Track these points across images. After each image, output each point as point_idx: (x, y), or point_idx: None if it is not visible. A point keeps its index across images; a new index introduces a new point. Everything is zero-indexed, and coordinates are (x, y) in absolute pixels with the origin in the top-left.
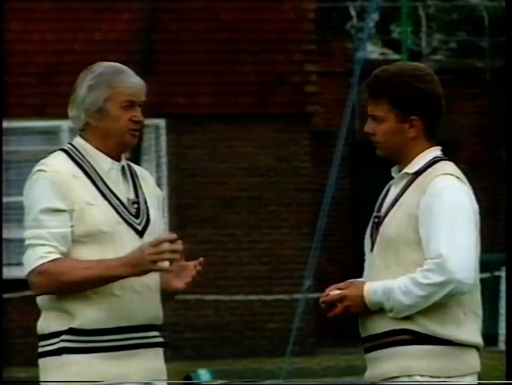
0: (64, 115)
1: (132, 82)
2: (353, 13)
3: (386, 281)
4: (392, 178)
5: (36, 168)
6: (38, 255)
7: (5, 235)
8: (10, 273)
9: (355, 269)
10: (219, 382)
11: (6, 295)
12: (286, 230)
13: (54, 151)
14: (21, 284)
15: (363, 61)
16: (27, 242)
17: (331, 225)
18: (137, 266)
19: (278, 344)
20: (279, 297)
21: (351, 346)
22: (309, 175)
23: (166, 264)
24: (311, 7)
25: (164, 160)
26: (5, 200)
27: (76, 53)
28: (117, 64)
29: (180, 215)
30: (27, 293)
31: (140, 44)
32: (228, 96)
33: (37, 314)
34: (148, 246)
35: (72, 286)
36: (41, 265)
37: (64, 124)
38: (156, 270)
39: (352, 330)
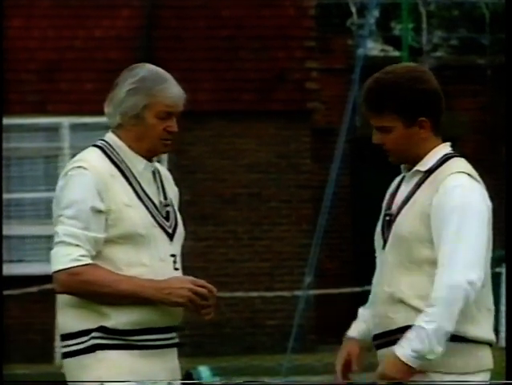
0: (65, 112)
1: (173, 93)
2: (353, 9)
3: (403, 337)
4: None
5: (74, 163)
6: (71, 256)
7: (5, 232)
8: (10, 269)
9: (356, 265)
10: (222, 381)
11: (6, 292)
12: (287, 227)
13: (88, 146)
14: (21, 281)
15: (363, 58)
16: (60, 238)
17: (331, 222)
18: (169, 295)
19: (278, 341)
20: (280, 293)
21: None
22: (309, 172)
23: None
24: (312, 4)
25: (164, 157)
26: (6, 196)
27: (77, 50)
28: (160, 70)
29: (180, 212)
30: (28, 290)
31: (141, 41)
32: (228, 93)
33: (38, 310)
34: (190, 282)
35: (100, 296)
36: (75, 267)
37: (65, 121)
38: (184, 306)
39: None
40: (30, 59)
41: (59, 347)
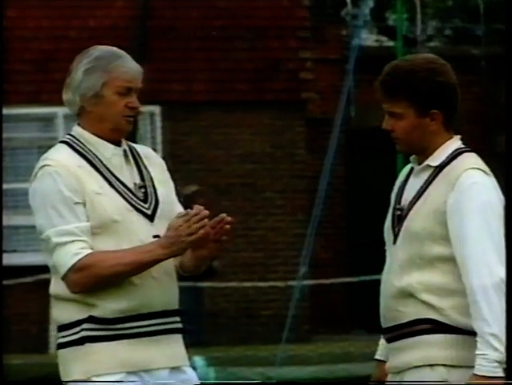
0: (59, 102)
1: (129, 67)
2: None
3: (476, 357)
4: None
5: (40, 164)
6: (71, 252)
7: None
8: (4, 260)
9: (350, 255)
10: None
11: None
12: (281, 217)
13: (54, 141)
14: (16, 271)
15: (358, 48)
16: (55, 241)
17: (326, 212)
18: (174, 245)
19: (272, 331)
20: (274, 284)
21: (345, 333)
22: (304, 162)
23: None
24: None
25: (159, 147)
26: None
27: (71, 40)
28: (114, 48)
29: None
30: (22, 280)
31: (135, 31)
32: (223, 83)
33: (33, 301)
34: (178, 221)
35: (111, 277)
36: (78, 261)
37: (59, 111)
38: (194, 241)
39: (347, 317)
40: (25, 49)
41: (54, 337)
